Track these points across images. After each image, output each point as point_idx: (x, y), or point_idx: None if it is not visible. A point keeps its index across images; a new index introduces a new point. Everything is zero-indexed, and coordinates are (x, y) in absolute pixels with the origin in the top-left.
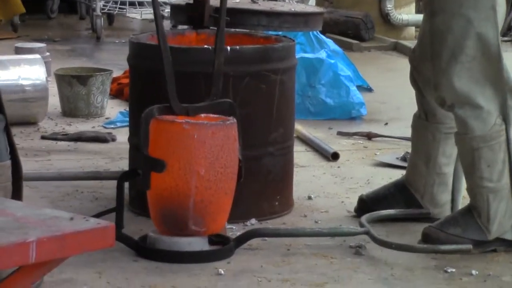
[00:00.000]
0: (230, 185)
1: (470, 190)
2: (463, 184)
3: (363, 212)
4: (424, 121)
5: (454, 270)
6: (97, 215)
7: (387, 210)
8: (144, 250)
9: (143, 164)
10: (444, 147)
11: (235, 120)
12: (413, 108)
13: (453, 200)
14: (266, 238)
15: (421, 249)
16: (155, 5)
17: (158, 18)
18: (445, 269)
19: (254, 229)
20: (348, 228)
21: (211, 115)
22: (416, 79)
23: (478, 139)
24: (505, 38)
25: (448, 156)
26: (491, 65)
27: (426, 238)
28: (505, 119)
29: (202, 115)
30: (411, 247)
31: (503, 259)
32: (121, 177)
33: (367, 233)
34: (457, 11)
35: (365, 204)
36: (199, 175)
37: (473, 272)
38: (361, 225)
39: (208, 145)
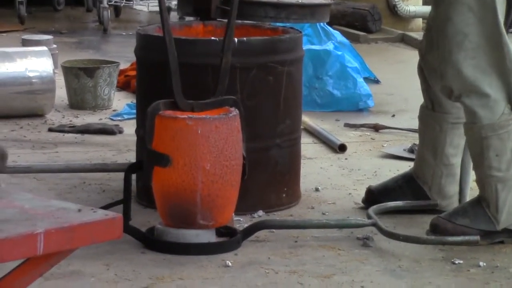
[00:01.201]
0: (236, 177)
1: (479, 180)
2: (471, 176)
3: (370, 204)
4: (430, 112)
5: (461, 261)
6: (105, 207)
7: (395, 202)
8: (151, 242)
9: (146, 159)
10: (451, 137)
11: (237, 111)
12: (420, 99)
13: (461, 192)
14: (274, 230)
15: (428, 240)
16: (161, 3)
17: (163, 12)
18: (452, 260)
19: (261, 221)
20: (355, 219)
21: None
22: (422, 69)
23: (487, 128)
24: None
25: (455, 147)
26: (495, 52)
27: (435, 228)
28: None
29: None
30: (418, 238)
31: (510, 251)
32: (128, 169)
33: (374, 224)
34: None
35: (373, 196)
36: (205, 170)
37: (481, 263)
38: (369, 217)
39: (212, 140)
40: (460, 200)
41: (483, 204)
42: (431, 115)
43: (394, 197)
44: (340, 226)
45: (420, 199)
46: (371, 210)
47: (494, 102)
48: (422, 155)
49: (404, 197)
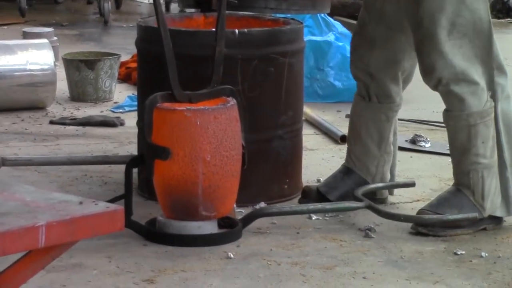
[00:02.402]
0: (236, 167)
1: (462, 168)
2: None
3: (311, 201)
4: (376, 104)
5: (463, 252)
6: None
7: (375, 184)
8: (153, 235)
9: (147, 152)
10: (394, 124)
11: (235, 101)
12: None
13: (392, 176)
14: (275, 221)
15: (430, 220)
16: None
17: (158, 4)
18: (454, 251)
19: (259, 209)
20: (350, 203)
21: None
22: (364, 64)
23: (476, 115)
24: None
25: (395, 133)
26: (481, 41)
27: (425, 223)
28: (492, 96)
29: None
30: (420, 218)
31: None
32: (129, 163)
33: (369, 206)
34: None
35: (317, 194)
36: (205, 161)
37: (483, 254)
38: (358, 199)
39: (211, 130)
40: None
41: (466, 193)
42: (376, 106)
43: (341, 193)
44: (335, 210)
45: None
46: (357, 192)
47: (481, 90)
48: (366, 147)
49: (351, 191)
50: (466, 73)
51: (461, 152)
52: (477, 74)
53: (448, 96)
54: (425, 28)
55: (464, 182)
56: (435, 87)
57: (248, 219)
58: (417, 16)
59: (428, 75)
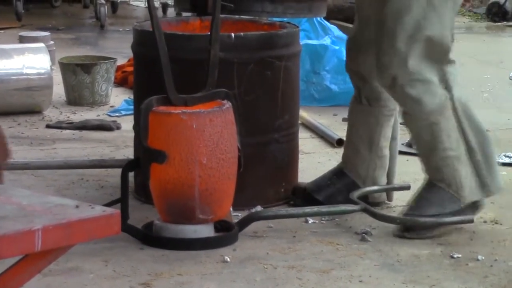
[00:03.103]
0: (233, 170)
1: (433, 165)
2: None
3: (301, 200)
4: (367, 107)
5: (460, 255)
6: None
7: (371, 187)
8: (150, 239)
9: (143, 156)
10: (385, 129)
11: (230, 104)
12: None
13: (389, 182)
14: (272, 225)
15: (427, 222)
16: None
17: (152, 8)
18: (451, 254)
19: (255, 212)
20: (346, 206)
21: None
22: (357, 67)
23: (435, 112)
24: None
25: (387, 138)
26: (440, 44)
27: (410, 227)
28: (446, 87)
29: None
30: (416, 220)
31: (509, 244)
32: (125, 167)
33: (365, 209)
34: None
35: (306, 194)
36: (201, 164)
37: (479, 257)
38: (354, 202)
39: (207, 133)
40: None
41: (442, 186)
42: (368, 110)
43: (328, 193)
44: (331, 213)
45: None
46: (353, 195)
47: (435, 86)
48: (356, 149)
49: (338, 193)
50: (420, 72)
51: (428, 150)
52: (429, 71)
53: (404, 99)
54: (388, 26)
55: (438, 177)
56: (389, 88)
57: (244, 223)
58: (382, 14)
59: (383, 73)
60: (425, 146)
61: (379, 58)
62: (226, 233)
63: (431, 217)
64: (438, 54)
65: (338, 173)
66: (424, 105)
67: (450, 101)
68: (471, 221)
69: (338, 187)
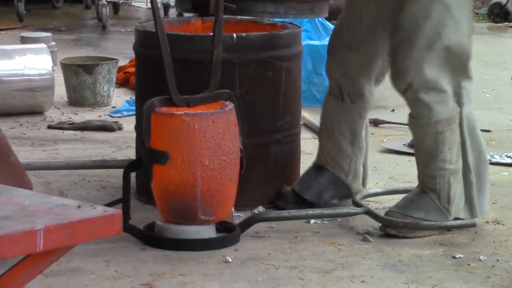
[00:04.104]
0: (235, 171)
1: (429, 172)
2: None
3: (293, 204)
4: (349, 104)
5: (462, 256)
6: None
7: (374, 189)
8: (151, 239)
9: (145, 157)
10: (366, 122)
11: (233, 105)
12: None
13: (364, 169)
14: (274, 226)
15: (428, 226)
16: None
17: (155, 9)
18: (453, 255)
19: (258, 213)
20: (349, 209)
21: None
22: (343, 66)
23: (443, 122)
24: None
25: (366, 127)
26: (458, 53)
27: (391, 223)
28: (458, 101)
29: None
30: (418, 224)
31: (511, 244)
32: (127, 168)
33: (368, 212)
34: None
35: (297, 196)
36: (203, 165)
37: (481, 257)
38: (357, 205)
39: (209, 135)
40: (364, 179)
41: (432, 196)
42: (349, 106)
43: (316, 191)
44: (333, 215)
45: (340, 187)
46: (357, 198)
47: (448, 97)
48: (339, 146)
49: (326, 190)
50: (436, 81)
51: (427, 157)
52: (446, 82)
53: (416, 104)
54: (406, 32)
55: (430, 186)
56: (403, 93)
57: (246, 224)
58: (398, 19)
59: (399, 79)
60: (426, 152)
61: (397, 63)
62: (228, 234)
63: (433, 222)
64: (457, 64)
65: (319, 169)
66: (434, 113)
67: (458, 115)
68: (474, 225)
69: (324, 184)
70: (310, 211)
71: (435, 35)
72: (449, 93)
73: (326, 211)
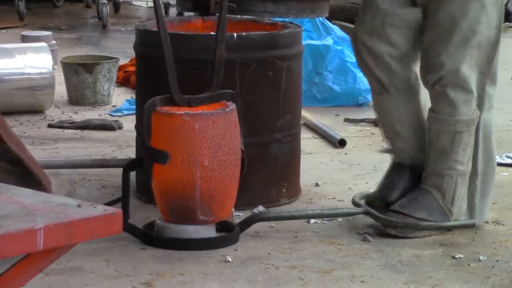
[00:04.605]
0: (235, 171)
1: (438, 170)
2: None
3: (381, 209)
4: (402, 92)
5: (462, 256)
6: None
7: (374, 189)
8: (151, 239)
9: (145, 156)
10: (421, 104)
11: (234, 106)
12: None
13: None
14: (274, 225)
15: (427, 226)
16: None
17: (158, 8)
18: (453, 255)
19: (257, 213)
20: (348, 209)
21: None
22: (381, 55)
23: (464, 123)
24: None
25: (424, 110)
26: (487, 51)
27: (390, 223)
28: (479, 105)
29: None
30: (417, 224)
31: (511, 245)
32: (127, 167)
33: (367, 212)
34: None
35: (382, 199)
36: (203, 165)
37: (481, 258)
38: (357, 205)
39: (210, 135)
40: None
41: (436, 196)
42: (396, 98)
43: (400, 192)
44: (333, 215)
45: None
46: (357, 198)
47: (473, 99)
48: (405, 140)
49: (409, 188)
50: (467, 81)
51: (440, 154)
52: (474, 83)
53: (441, 99)
54: (444, 29)
55: (436, 184)
56: (432, 86)
57: (246, 224)
58: (436, 16)
59: (432, 73)
60: (440, 149)
61: (430, 58)
62: (227, 233)
63: (432, 222)
64: (484, 62)
65: (399, 169)
66: (457, 111)
67: (478, 118)
68: (473, 225)
69: (405, 184)
70: (310, 211)
71: (471, 32)
72: (474, 95)
73: (326, 211)
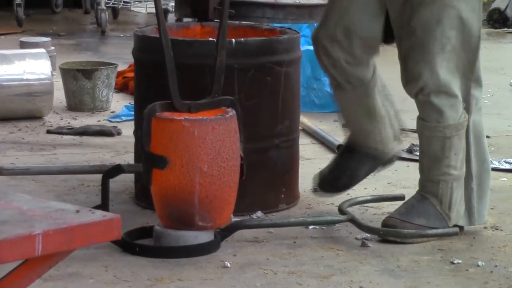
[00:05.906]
0: (234, 178)
1: (432, 177)
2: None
3: (328, 186)
4: (357, 88)
5: (460, 261)
6: None
7: (363, 196)
8: (127, 246)
9: (144, 161)
10: (377, 95)
11: (234, 112)
12: None
13: (399, 121)
14: (272, 231)
15: (408, 234)
16: (157, 4)
17: (160, 14)
18: (451, 260)
19: (239, 221)
20: (332, 216)
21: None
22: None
23: (452, 128)
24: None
25: (383, 95)
26: (466, 56)
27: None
28: (466, 108)
29: None
30: (398, 233)
31: (509, 250)
32: (105, 174)
33: (351, 220)
34: (448, 3)
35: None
36: (202, 171)
37: (480, 263)
38: (342, 212)
39: (209, 141)
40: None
41: (433, 202)
42: (358, 91)
43: (349, 173)
44: (316, 223)
45: (373, 159)
46: (343, 205)
47: (459, 103)
48: (361, 129)
49: (360, 168)
50: (449, 86)
51: (432, 161)
52: (457, 87)
53: (427, 107)
54: (418, 36)
55: (432, 191)
56: (415, 96)
57: (227, 231)
58: (411, 22)
59: (412, 83)
60: (431, 156)
61: (408, 68)
62: (206, 241)
63: (414, 230)
64: (465, 66)
65: (347, 153)
66: (444, 117)
67: (467, 122)
68: (456, 233)
69: (355, 165)
70: (293, 219)
71: (446, 39)
72: (459, 98)
73: (309, 218)
